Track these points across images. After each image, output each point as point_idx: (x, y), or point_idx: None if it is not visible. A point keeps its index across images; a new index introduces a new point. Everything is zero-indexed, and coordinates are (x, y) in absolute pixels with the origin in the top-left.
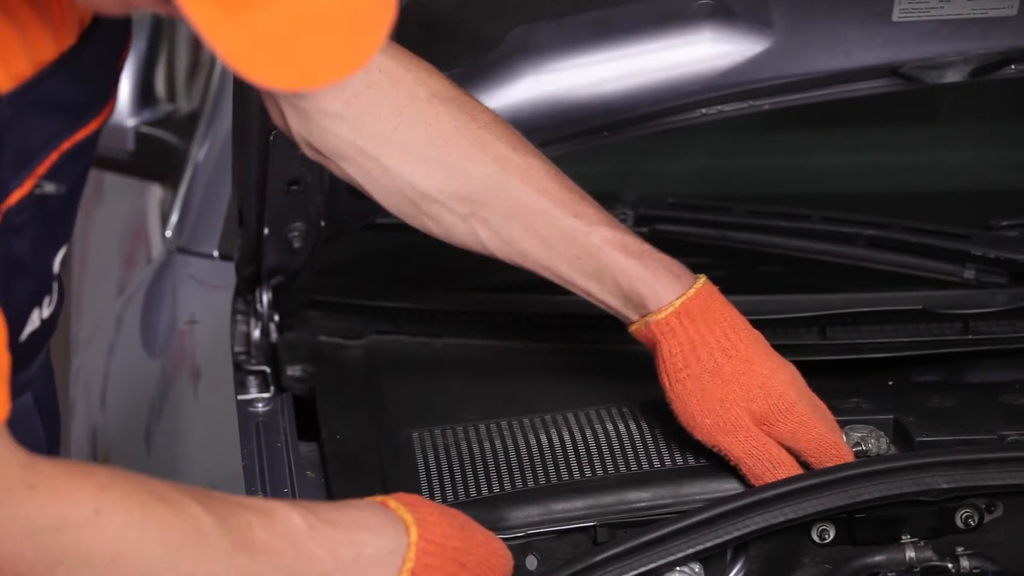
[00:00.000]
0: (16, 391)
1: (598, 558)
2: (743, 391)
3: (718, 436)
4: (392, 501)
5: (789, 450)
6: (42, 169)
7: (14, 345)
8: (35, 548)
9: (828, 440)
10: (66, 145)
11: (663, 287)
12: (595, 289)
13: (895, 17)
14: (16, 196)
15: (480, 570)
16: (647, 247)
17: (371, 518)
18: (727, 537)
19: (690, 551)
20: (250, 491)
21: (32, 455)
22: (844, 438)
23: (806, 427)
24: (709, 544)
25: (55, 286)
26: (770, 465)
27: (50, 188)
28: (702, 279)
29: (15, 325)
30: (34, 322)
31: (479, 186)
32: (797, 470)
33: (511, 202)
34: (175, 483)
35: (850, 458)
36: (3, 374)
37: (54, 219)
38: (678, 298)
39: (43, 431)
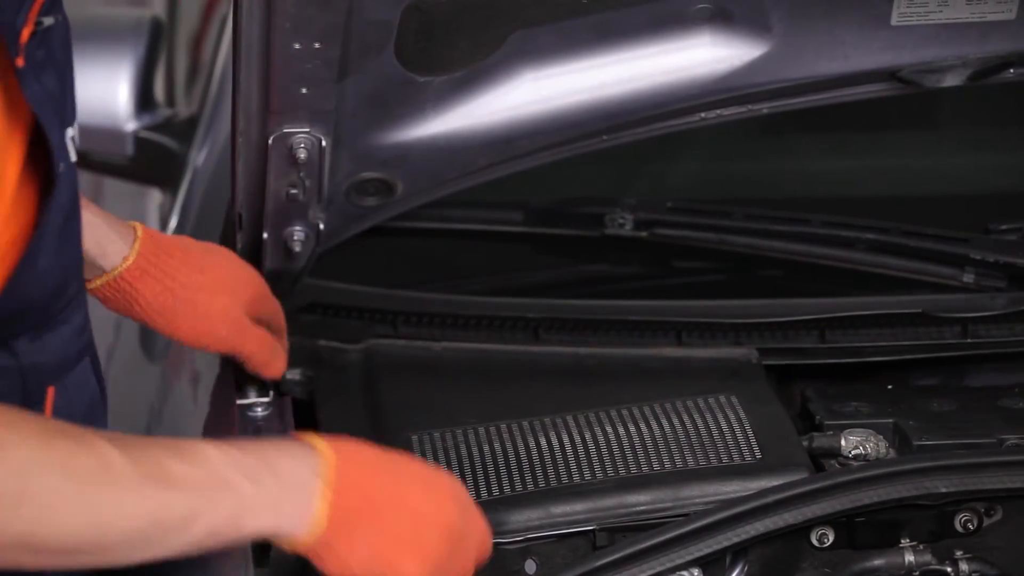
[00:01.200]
0: (78, 355)
1: (597, 564)
2: (220, 293)
3: (232, 341)
4: (305, 435)
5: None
6: (37, 5)
7: (61, 189)
8: None
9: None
10: None
11: (114, 239)
12: None
13: (894, 21)
14: (26, 33)
15: (411, 475)
16: (87, 202)
17: (288, 446)
18: (727, 543)
19: (690, 557)
20: None
21: None
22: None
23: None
24: (709, 550)
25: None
26: (268, 348)
27: (48, 20)
28: (136, 224)
29: (65, 161)
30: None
31: None
32: (281, 347)
33: None
34: (84, 426)
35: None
36: None
37: (63, 54)
38: (129, 245)
39: (101, 400)
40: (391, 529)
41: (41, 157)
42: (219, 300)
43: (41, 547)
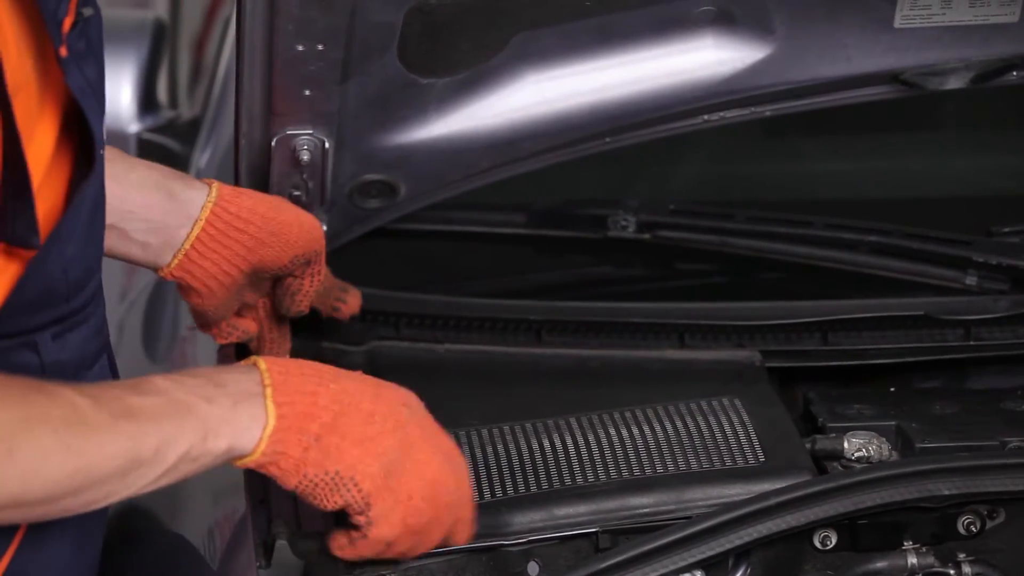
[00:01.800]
0: (96, 354)
1: (600, 566)
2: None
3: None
4: (247, 359)
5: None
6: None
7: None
8: None
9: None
10: None
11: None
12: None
13: (897, 23)
14: (67, 23)
15: (356, 383)
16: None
17: (232, 367)
18: (730, 546)
19: (692, 559)
20: (252, 498)
21: None
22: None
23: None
24: (712, 553)
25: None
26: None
27: (88, 11)
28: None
29: (101, 148)
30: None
31: None
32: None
33: None
34: (45, 380)
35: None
36: None
37: (99, 47)
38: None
39: None
40: (341, 428)
41: (73, 144)
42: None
43: (30, 501)
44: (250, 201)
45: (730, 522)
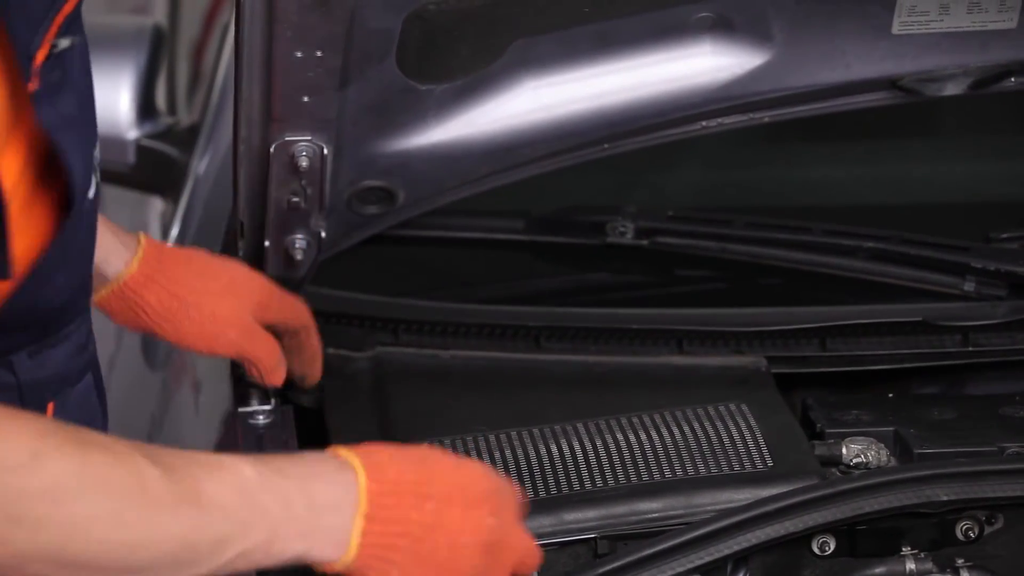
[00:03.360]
0: (81, 371)
1: (598, 572)
2: (227, 297)
3: (240, 344)
4: (343, 450)
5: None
6: (54, 28)
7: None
8: None
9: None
10: (67, 8)
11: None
12: None
13: (895, 30)
14: (40, 56)
15: (448, 495)
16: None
17: (322, 466)
18: (728, 551)
19: (691, 565)
20: None
21: None
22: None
23: (289, 300)
24: (710, 559)
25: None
26: (277, 357)
27: (64, 43)
28: (142, 241)
29: (86, 184)
30: (93, 186)
31: None
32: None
33: None
34: (121, 438)
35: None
36: None
37: (81, 77)
38: (132, 255)
39: (101, 416)
40: (425, 555)
41: (60, 178)
42: (226, 303)
43: (70, 562)
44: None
45: (729, 528)
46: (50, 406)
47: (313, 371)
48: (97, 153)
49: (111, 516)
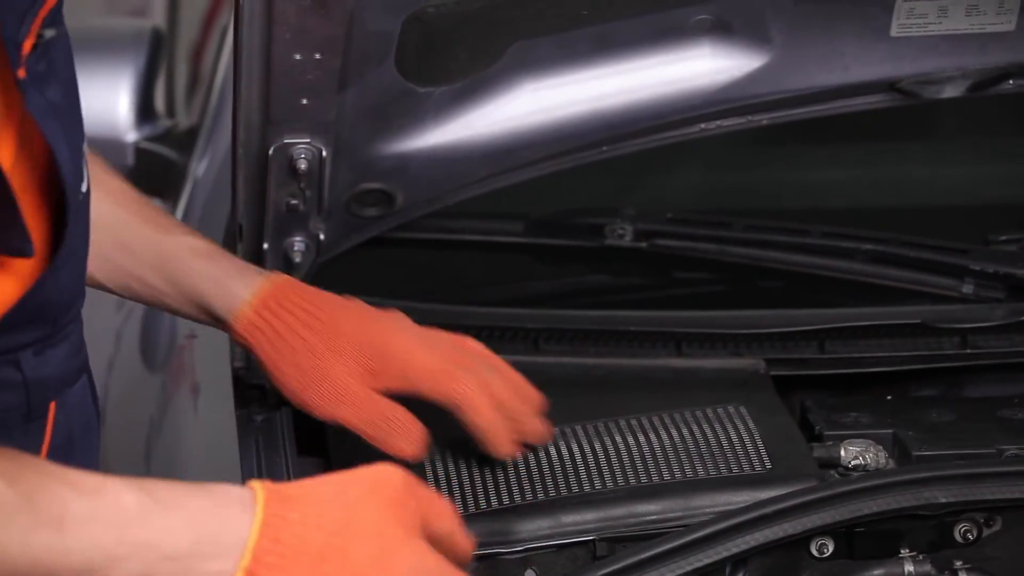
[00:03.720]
0: (77, 372)
1: (595, 575)
2: (336, 357)
3: (331, 409)
4: (262, 488)
5: (410, 399)
6: (40, 18)
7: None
8: None
9: (436, 368)
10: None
11: (235, 284)
12: (175, 296)
13: (893, 32)
14: (27, 45)
15: (357, 570)
16: (222, 250)
17: (224, 506)
18: (726, 554)
19: (689, 568)
20: None
21: None
22: (468, 374)
23: (409, 363)
24: (708, 561)
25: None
26: (385, 424)
27: (50, 33)
28: (275, 274)
29: (77, 175)
30: (86, 180)
31: None
32: (412, 422)
33: (102, 218)
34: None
35: (464, 383)
36: None
37: (65, 68)
38: (252, 293)
39: (95, 418)
40: None
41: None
42: (334, 365)
43: None
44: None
45: (727, 531)
46: (52, 405)
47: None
48: (85, 148)
49: None
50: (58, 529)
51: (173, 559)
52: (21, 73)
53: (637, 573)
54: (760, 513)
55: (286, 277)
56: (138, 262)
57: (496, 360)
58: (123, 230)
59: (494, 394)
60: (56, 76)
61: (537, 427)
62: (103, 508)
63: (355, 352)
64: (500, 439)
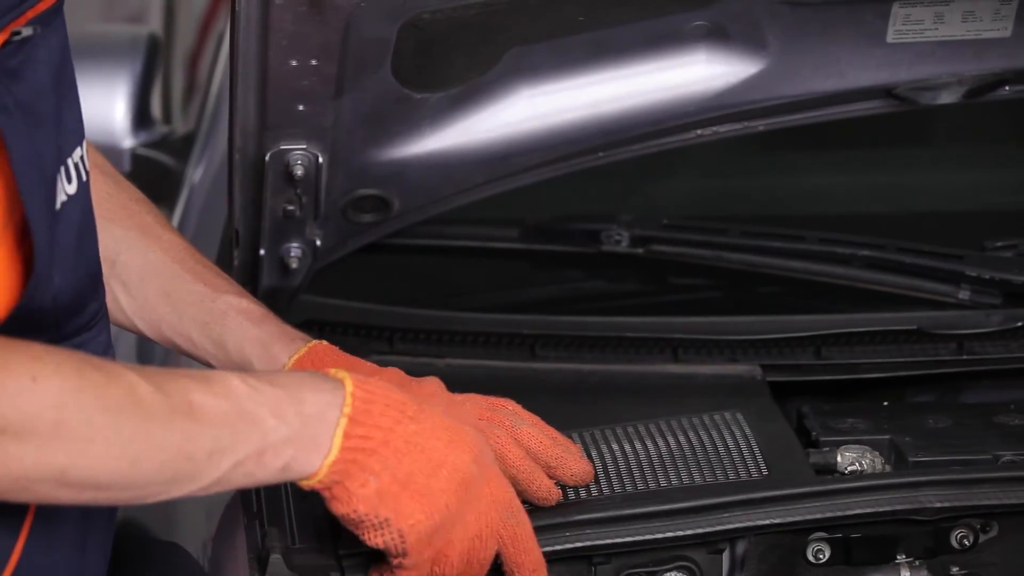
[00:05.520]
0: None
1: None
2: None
3: None
4: (334, 368)
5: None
6: (22, 19)
7: (52, 212)
8: None
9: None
10: (41, 5)
11: (278, 348)
12: (221, 357)
13: (889, 38)
14: (0, 39)
15: (433, 428)
16: (270, 314)
17: (312, 378)
18: (706, 529)
19: (667, 534)
20: (247, 511)
21: None
22: (499, 429)
23: None
24: (686, 532)
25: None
26: None
27: (27, 31)
28: (315, 341)
29: (48, 186)
30: (61, 193)
31: (120, 245)
32: None
33: (148, 266)
34: (108, 358)
35: (495, 437)
36: None
37: (56, 72)
38: (290, 357)
39: None
40: (403, 475)
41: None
42: None
43: (75, 481)
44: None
45: (710, 507)
46: None
47: None
48: (82, 153)
49: (109, 431)
50: (189, 414)
51: (283, 426)
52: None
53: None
54: (747, 496)
55: (326, 344)
56: (186, 320)
57: (529, 415)
58: (173, 285)
59: (525, 443)
60: (31, 76)
61: (576, 468)
62: (220, 392)
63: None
64: (534, 485)
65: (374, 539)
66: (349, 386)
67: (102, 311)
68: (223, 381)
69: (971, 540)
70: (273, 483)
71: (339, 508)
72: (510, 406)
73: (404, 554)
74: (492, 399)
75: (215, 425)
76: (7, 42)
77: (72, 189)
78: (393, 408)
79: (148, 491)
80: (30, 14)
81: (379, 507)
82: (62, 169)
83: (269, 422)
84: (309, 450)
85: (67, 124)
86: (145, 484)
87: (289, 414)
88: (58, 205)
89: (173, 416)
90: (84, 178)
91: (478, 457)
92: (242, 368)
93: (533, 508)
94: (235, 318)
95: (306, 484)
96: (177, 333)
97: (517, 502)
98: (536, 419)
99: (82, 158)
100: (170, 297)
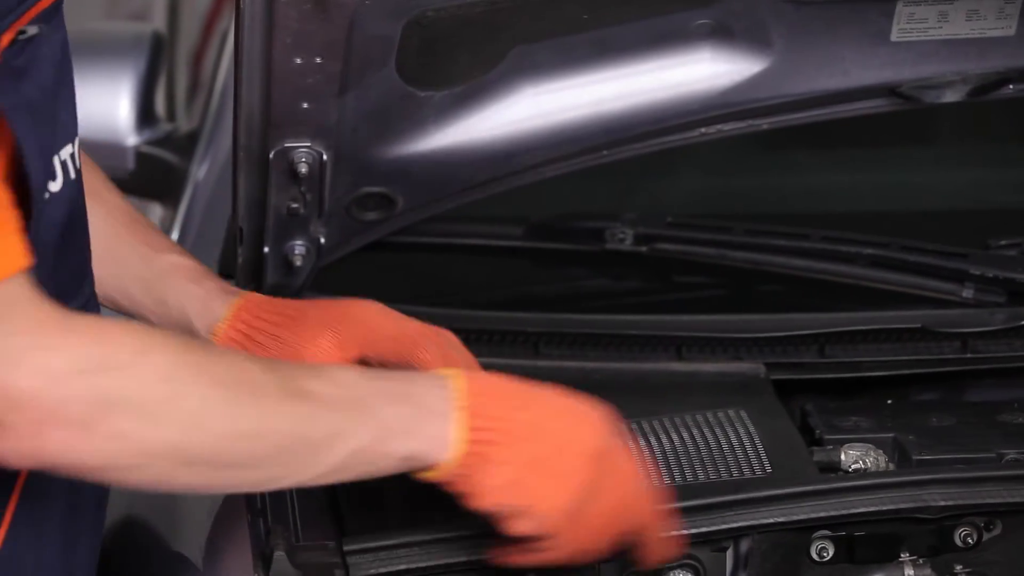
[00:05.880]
0: None
1: None
2: (305, 340)
3: None
4: (441, 368)
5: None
6: (26, 17)
7: (40, 201)
8: (86, 389)
9: (399, 335)
10: (43, 2)
11: (217, 303)
12: (161, 314)
13: (894, 37)
14: (5, 40)
15: (554, 408)
16: (209, 272)
17: (421, 376)
18: (709, 527)
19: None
20: (250, 509)
21: (65, 308)
22: (432, 345)
23: (372, 329)
24: (690, 531)
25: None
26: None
27: (32, 30)
28: (249, 292)
29: (43, 174)
30: (58, 180)
31: None
32: None
33: (95, 230)
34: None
35: (425, 350)
36: (13, 225)
37: (56, 70)
38: (227, 309)
39: None
40: (530, 454)
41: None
42: (320, 343)
43: (192, 458)
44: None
45: (715, 506)
46: None
47: None
48: (75, 150)
49: (223, 405)
50: (303, 396)
51: (401, 417)
52: (5, 39)
53: None
54: (751, 495)
55: (260, 295)
56: (126, 277)
57: (460, 344)
58: (114, 244)
59: (454, 364)
60: (36, 74)
61: None
62: (330, 378)
63: (321, 330)
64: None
65: (516, 527)
66: (460, 380)
67: (91, 304)
68: (332, 370)
69: (975, 538)
70: (392, 473)
71: (474, 502)
72: (447, 333)
73: (550, 536)
74: (431, 326)
75: (330, 409)
76: (13, 41)
77: (56, 187)
78: (507, 397)
79: (267, 474)
80: (32, 12)
81: (514, 496)
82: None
83: (385, 410)
84: (430, 442)
85: (61, 120)
86: (262, 465)
87: (404, 404)
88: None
89: (286, 396)
90: (73, 175)
91: (603, 428)
92: (181, 325)
93: None
94: (176, 276)
95: (429, 477)
96: (118, 291)
97: (640, 469)
98: (465, 350)
99: (72, 155)
100: (112, 256)
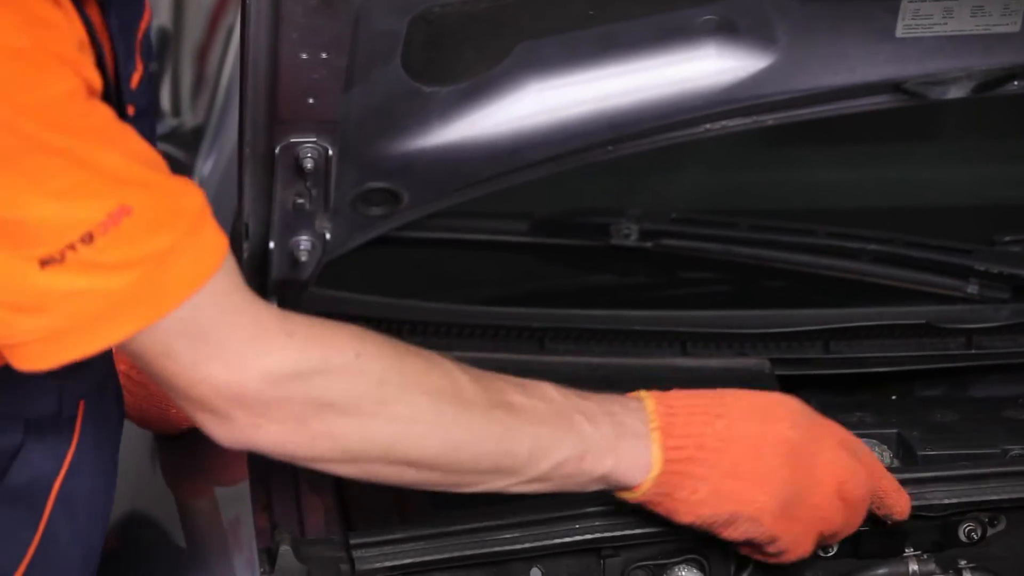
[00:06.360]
0: (104, 377)
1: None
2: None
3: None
4: (631, 392)
5: None
6: (138, 44)
7: None
8: (303, 390)
9: None
10: (143, 25)
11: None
12: None
13: (899, 33)
14: (135, 79)
15: (742, 413)
16: None
17: (612, 397)
18: None
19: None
20: (256, 504)
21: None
22: None
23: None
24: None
25: None
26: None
27: (153, 66)
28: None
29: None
30: None
31: None
32: None
33: None
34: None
35: None
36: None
37: (154, 103)
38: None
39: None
40: (726, 464)
41: None
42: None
43: (400, 459)
44: None
45: None
46: (81, 404)
47: None
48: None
49: (431, 413)
50: (508, 409)
51: (602, 435)
52: (130, 110)
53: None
54: None
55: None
56: None
57: None
58: None
59: None
60: (151, 111)
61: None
62: (536, 394)
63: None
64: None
65: (732, 534)
66: (650, 403)
67: None
68: (538, 385)
69: (979, 534)
70: (590, 489)
71: (682, 517)
72: None
73: (773, 539)
74: None
75: (534, 423)
76: (141, 80)
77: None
78: (697, 413)
79: (469, 479)
80: (138, 36)
81: (720, 505)
82: None
83: (586, 428)
84: (628, 462)
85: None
86: (466, 471)
87: (604, 424)
88: None
89: (492, 409)
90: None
91: (794, 419)
92: None
93: (537, 500)
94: None
95: (628, 496)
96: None
97: (850, 434)
98: None
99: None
100: None
